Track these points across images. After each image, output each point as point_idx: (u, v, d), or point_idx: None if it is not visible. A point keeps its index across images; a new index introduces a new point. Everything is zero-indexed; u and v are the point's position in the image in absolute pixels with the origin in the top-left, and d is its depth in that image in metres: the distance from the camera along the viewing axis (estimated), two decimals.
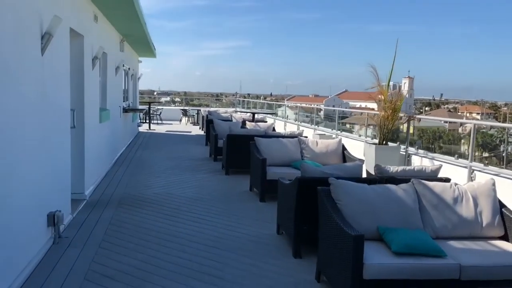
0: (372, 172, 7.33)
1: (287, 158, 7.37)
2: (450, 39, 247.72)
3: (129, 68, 13.40)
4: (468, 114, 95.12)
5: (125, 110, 11.98)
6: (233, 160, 8.92)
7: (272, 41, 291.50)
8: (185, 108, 24.30)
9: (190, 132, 18.16)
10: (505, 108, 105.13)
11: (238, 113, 17.10)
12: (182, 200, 6.75)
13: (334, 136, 10.73)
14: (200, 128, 19.55)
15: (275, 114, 14.56)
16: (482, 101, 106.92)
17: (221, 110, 20.33)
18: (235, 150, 8.85)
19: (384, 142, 7.44)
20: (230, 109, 23.67)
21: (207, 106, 29.47)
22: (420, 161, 7.01)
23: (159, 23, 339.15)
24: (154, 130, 18.42)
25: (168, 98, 57.98)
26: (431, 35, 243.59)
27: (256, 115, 14.17)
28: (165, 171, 9.10)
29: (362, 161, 4.80)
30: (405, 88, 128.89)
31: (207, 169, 9.49)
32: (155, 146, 13.19)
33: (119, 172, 8.77)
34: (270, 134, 8.98)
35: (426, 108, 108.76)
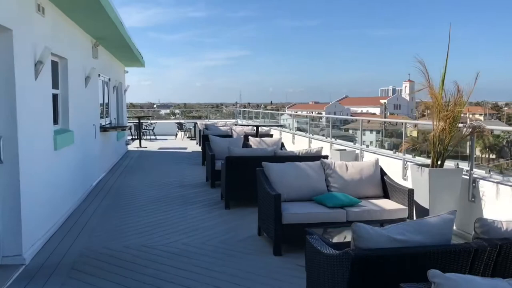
0: (427, 206, 5.37)
1: (308, 190, 5.39)
2: (447, 41, 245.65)
3: (109, 79, 11.49)
4: (471, 116, 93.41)
5: (104, 129, 10.04)
6: (235, 190, 6.95)
7: (271, 50, 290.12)
8: (181, 121, 22.37)
9: (186, 148, 16.21)
10: (506, 108, 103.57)
11: (239, 126, 15.18)
12: (163, 259, 4.75)
13: (357, 151, 8.76)
14: (197, 143, 17.61)
15: (282, 126, 12.59)
16: (484, 102, 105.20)
17: (220, 122, 18.38)
18: (237, 177, 6.89)
19: (438, 163, 5.46)
20: (230, 121, 21.72)
21: (206, 118, 27.57)
22: (495, 190, 5.02)
23: (157, 36, 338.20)
24: (146, 147, 16.47)
25: (168, 111, 56.60)
26: (429, 37, 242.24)
27: (259, 128, 12.15)
28: (148, 206, 7.12)
29: (453, 212, 2.82)
30: (406, 92, 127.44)
31: (202, 201, 7.51)
32: (142, 168, 11.23)
33: (88, 212, 6.78)
34: (281, 155, 7.01)
35: (428, 111, 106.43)
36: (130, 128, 18.19)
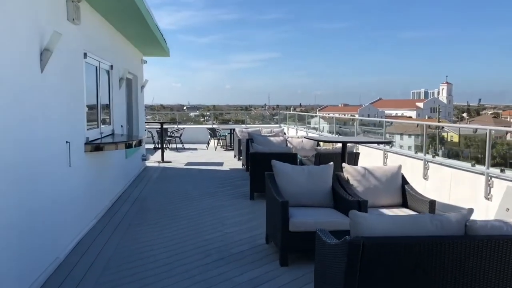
0: None
1: None
2: (482, 43, 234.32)
3: (111, 66, 7.47)
4: None
5: (96, 147, 5.99)
6: None
7: (301, 52, 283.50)
8: (213, 127, 18.30)
9: (221, 164, 12.11)
10: None
11: (297, 136, 10.96)
12: None
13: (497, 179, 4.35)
14: (235, 156, 13.51)
15: (389, 143, 8.14)
16: None
17: (264, 130, 14.18)
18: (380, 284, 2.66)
19: None
20: (276, 127, 17.51)
21: (242, 122, 23.41)
22: None
23: (187, 38, 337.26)
24: (170, 162, 12.48)
25: (197, 112, 54.42)
26: (461, 39, 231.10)
27: (346, 146, 7.70)
28: None
29: None
30: (443, 95, 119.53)
31: None
32: (159, 207, 7.15)
33: None
34: (482, 237, 2.70)
35: (464, 115, 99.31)
36: (159, 135, 14.28)
